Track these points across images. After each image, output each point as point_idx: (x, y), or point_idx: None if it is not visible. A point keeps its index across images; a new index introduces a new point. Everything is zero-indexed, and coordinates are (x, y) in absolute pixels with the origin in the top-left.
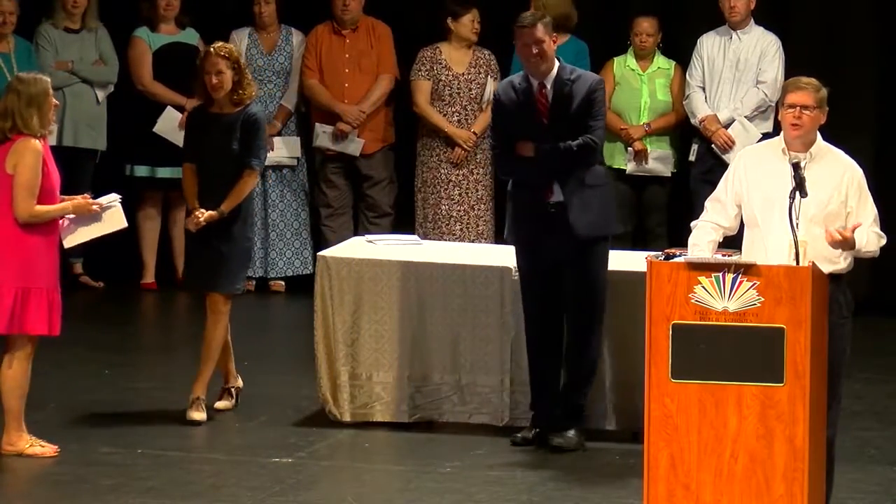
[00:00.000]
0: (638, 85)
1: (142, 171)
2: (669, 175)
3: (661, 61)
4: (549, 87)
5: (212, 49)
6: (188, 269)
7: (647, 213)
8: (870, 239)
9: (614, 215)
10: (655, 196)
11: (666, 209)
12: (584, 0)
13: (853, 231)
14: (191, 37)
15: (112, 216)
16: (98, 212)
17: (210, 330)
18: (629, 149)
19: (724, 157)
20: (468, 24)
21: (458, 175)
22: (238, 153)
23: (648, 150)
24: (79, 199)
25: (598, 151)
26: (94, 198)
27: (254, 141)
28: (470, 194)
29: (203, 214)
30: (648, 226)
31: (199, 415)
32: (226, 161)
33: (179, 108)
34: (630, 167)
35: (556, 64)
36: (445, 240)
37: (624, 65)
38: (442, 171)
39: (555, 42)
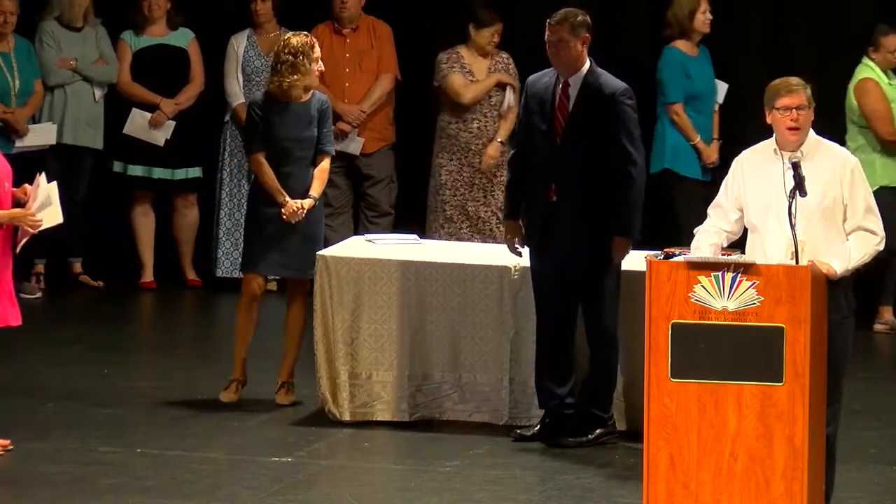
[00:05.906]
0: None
1: (136, 170)
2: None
3: None
4: (573, 86)
5: (313, 38)
6: (265, 254)
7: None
8: (854, 251)
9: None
10: None
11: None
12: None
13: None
14: (180, 38)
15: (50, 213)
16: (39, 222)
17: (297, 315)
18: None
19: None
20: (488, 36)
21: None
22: (316, 139)
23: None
24: (15, 210)
25: (639, 179)
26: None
27: (328, 126)
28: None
29: (304, 204)
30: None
31: (287, 398)
32: (305, 148)
33: (150, 108)
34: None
35: (586, 66)
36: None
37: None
38: (465, 174)
39: (584, 43)
